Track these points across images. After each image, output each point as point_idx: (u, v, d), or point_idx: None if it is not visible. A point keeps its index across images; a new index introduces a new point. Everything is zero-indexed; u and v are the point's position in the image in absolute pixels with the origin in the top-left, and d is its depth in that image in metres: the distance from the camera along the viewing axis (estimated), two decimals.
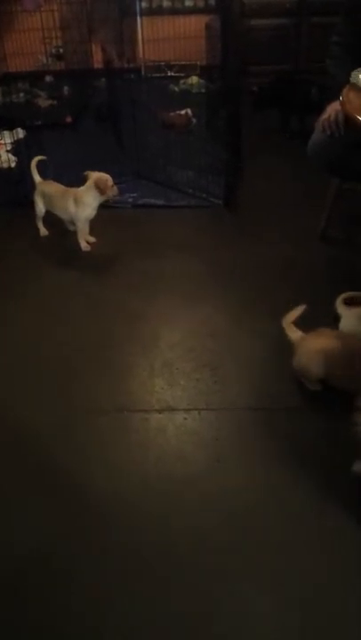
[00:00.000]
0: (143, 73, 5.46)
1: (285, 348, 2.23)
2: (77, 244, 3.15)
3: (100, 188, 3.02)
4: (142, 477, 1.94)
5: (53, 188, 3.19)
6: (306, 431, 2.06)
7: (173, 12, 5.31)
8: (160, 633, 1.54)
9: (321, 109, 2.64)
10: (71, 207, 3.09)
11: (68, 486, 1.92)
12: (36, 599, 1.63)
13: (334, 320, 2.34)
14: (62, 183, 3.22)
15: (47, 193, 3.18)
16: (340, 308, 2.33)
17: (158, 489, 1.90)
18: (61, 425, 2.15)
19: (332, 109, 2.52)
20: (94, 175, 3.06)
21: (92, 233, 3.21)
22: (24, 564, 1.70)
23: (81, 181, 3.09)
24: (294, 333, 2.21)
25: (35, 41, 4.94)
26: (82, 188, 3.08)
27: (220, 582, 1.64)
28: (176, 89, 5.23)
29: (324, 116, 2.58)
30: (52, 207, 3.20)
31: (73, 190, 3.11)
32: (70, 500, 1.88)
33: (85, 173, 3.09)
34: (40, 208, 3.24)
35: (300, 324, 2.24)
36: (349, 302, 2.35)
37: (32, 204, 3.25)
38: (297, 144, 3.12)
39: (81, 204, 3.07)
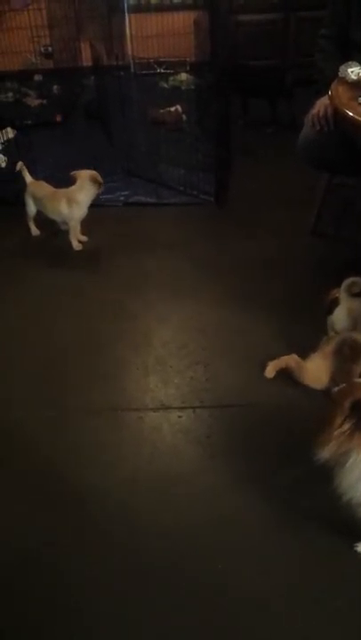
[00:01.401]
0: (132, 70, 5.44)
1: (275, 343, 2.23)
2: (68, 243, 3.15)
3: (97, 181, 3.04)
4: (136, 475, 1.94)
5: (44, 190, 3.17)
6: (298, 428, 2.06)
7: (161, 8, 5.29)
8: (156, 631, 1.55)
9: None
10: (64, 208, 3.08)
11: (62, 485, 1.92)
12: (32, 598, 1.63)
13: (327, 311, 2.34)
14: (53, 182, 3.21)
15: (38, 196, 3.17)
16: (343, 295, 2.27)
17: (152, 487, 1.90)
18: (55, 425, 2.15)
19: (322, 104, 2.52)
20: (85, 173, 3.05)
21: (82, 232, 3.20)
22: (20, 562, 1.71)
23: (69, 182, 3.08)
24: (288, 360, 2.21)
25: (23, 39, 4.93)
26: (73, 187, 3.07)
27: (213, 579, 1.64)
28: (166, 86, 5.22)
29: (314, 110, 2.58)
30: (44, 209, 3.18)
31: (64, 191, 3.10)
32: (65, 500, 1.88)
33: (73, 174, 3.08)
34: (31, 208, 3.22)
35: (289, 316, 2.24)
36: (354, 293, 2.28)
37: (23, 204, 3.24)
38: (285, 138, 3.12)
39: (75, 204, 3.06)
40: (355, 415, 1.40)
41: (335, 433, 1.41)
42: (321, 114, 2.53)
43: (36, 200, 3.18)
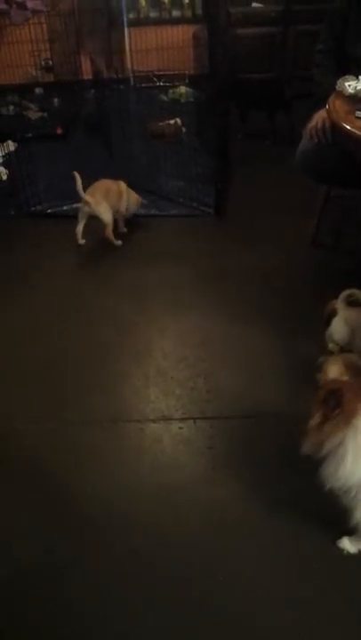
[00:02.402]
0: (132, 83, 5.48)
1: (275, 354, 2.24)
2: (66, 256, 3.16)
3: None
4: (138, 487, 1.95)
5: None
6: (299, 438, 2.06)
7: (161, 22, 5.35)
8: (155, 635, 1.55)
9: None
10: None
11: (63, 496, 1.93)
12: (35, 603, 1.64)
13: (326, 323, 2.35)
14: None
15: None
16: (341, 306, 2.28)
17: (153, 497, 1.91)
18: (56, 436, 2.15)
19: (320, 117, 2.55)
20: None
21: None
22: (23, 568, 1.72)
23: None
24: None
25: (24, 53, 4.97)
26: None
27: (214, 588, 1.65)
28: (165, 99, 5.26)
29: (312, 123, 2.60)
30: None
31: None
32: (66, 510, 1.88)
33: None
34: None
35: (289, 327, 2.25)
36: (351, 302, 2.29)
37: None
38: (283, 150, 3.14)
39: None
40: (325, 406, 1.44)
41: (312, 424, 1.47)
42: (319, 126, 2.55)
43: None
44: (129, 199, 3.38)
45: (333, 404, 1.43)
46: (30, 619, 1.61)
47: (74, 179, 3.09)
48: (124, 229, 3.41)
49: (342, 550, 1.69)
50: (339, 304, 2.28)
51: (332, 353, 2.34)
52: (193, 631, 1.56)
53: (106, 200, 3.22)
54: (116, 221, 3.31)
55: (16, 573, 1.70)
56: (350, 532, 1.67)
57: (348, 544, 1.69)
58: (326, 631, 1.56)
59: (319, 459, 1.49)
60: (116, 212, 3.29)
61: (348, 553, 1.69)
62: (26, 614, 1.62)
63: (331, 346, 2.35)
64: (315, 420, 1.47)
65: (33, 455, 2.08)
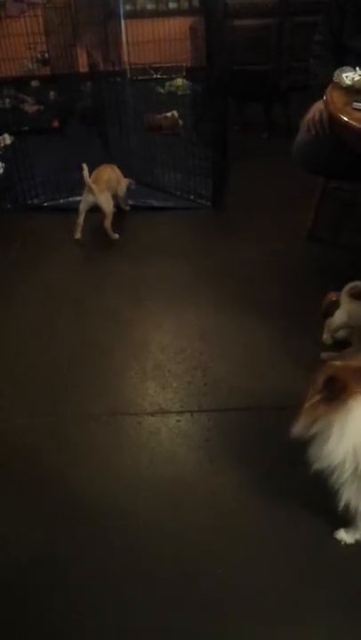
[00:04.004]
0: (129, 76, 5.45)
1: (273, 347, 2.24)
2: (63, 250, 3.16)
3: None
4: (136, 480, 1.95)
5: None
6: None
7: (157, 14, 5.32)
8: (157, 633, 1.55)
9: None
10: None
11: (61, 489, 1.93)
12: (35, 601, 1.64)
13: (324, 314, 2.35)
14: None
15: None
16: (344, 298, 2.27)
17: (152, 491, 1.91)
18: (55, 430, 2.15)
19: (317, 109, 2.54)
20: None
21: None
22: (22, 566, 1.71)
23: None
24: None
25: (20, 46, 4.94)
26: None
27: (213, 582, 1.65)
28: (162, 91, 5.24)
29: (309, 115, 2.59)
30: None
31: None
32: (65, 504, 1.88)
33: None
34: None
35: (286, 320, 2.24)
36: (354, 295, 2.28)
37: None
38: (281, 143, 3.14)
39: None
40: (326, 389, 1.44)
41: (306, 406, 1.48)
42: (316, 118, 2.54)
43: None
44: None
45: (329, 386, 1.44)
46: (30, 618, 1.60)
47: (81, 169, 3.12)
48: (127, 207, 3.52)
49: (340, 541, 1.70)
50: (342, 296, 2.28)
51: (326, 344, 2.35)
52: (193, 629, 1.56)
53: (108, 189, 3.25)
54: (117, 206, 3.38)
55: (15, 575, 1.70)
56: (348, 524, 1.67)
57: (344, 535, 1.70)
58: (326, 623, 1.56)
59: (308, 440, 1.50)
60: (114, 196, 3.34)
61: (346, 543, 1.69)
62: (25, 614, 1.62)
63: (325, 337, 2.35)
64: (309, 401, 1.48)
65: (31, 450, 2.08)
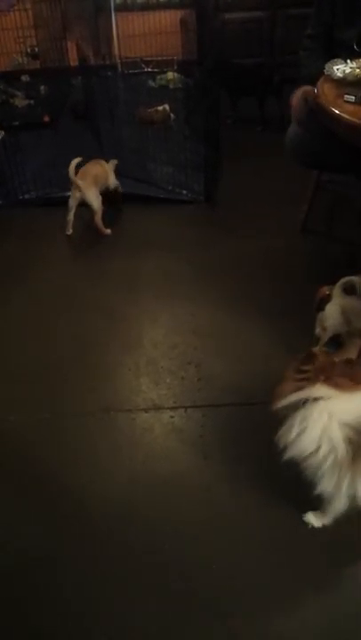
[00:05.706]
0: (120, 69, 5.42)
1: (267, 342, 2.23)
2: (56, 246, 3.14)
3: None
4: (130, 477, 1.95)
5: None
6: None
7: (148, 7, 5.27)
8: (154, 631, 1.55)
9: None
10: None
11: (56, 486, 1.93)
12: (31, 600, 1.64)
13: (316, 309, 2.34)
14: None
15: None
16: (337, 293, 2.25)
17: (146, 488, 1.90)
18: (48, 427, 2.15)
19: (296, 98, 2.53)
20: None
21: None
22: (18, 564, 1.71)
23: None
24: None
25: (9, 40, 4.88)
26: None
27: (209, 578, 1.65)
28: (153, 85, 5.21)
29: (294, 109, 2.58)
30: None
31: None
32: (60, 500, 1.88)
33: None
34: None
35: (280, 315, 2.24)
36: (346, 290, 2.26)
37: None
38: (274, 136, 3.12)
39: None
40: (304, 365, 1.50)
41: (286, 385, 1.53)
42: (296, 106, 2.53)
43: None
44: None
45: (307, 362, 1.49)
46: (30, 618, 1.60)
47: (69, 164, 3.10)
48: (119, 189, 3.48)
49: (307, 524, 1.72)
50: (335, 291, 2.27)
51: (318, 338, 2.34)
52: (192, 626, 1.56)
53: (95, 185, 3.21)
54: (110, 193, 3.36)
55: (14, 574, 1.70)
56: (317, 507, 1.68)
57: (312, 518, 1.71)
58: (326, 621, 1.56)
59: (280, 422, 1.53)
60: (104, 189, 3.32)
61: (313, 527, 1.71)
62: (25, 614, 1.61)
63: (317, 331, 2.34)
64: (288, 373, 1.53)
65: (25, 447, 2.08)
